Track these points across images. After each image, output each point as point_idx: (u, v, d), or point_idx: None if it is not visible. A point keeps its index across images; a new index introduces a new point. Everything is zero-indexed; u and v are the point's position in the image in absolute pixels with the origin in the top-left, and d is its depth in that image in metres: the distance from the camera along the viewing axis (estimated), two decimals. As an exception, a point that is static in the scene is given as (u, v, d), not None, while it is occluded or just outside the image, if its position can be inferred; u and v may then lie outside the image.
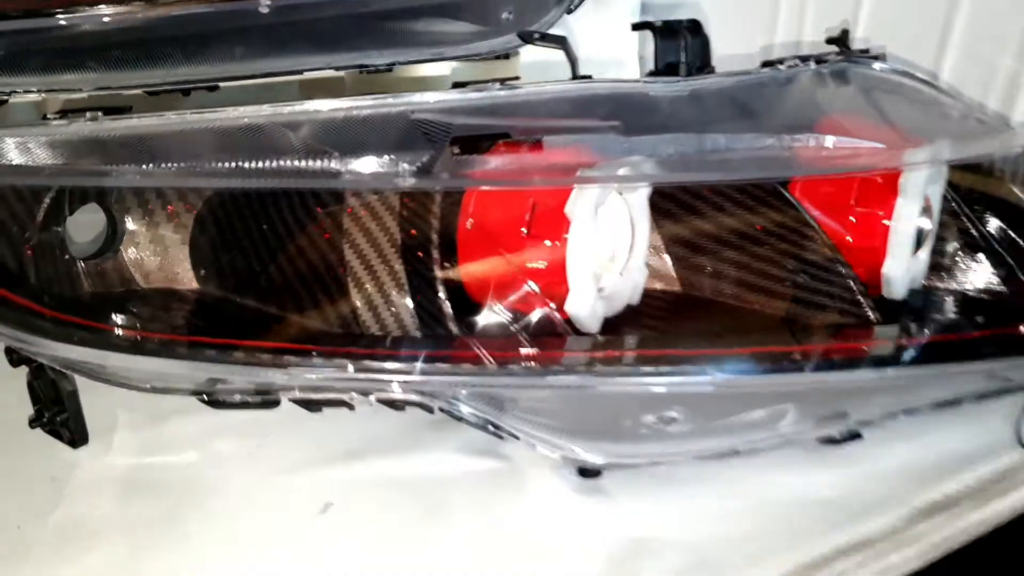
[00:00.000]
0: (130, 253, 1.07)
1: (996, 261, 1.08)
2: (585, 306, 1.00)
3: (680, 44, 1.16)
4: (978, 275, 1.10)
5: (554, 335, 1.00)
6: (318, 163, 0.95)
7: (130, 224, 1.07)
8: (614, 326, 1.06)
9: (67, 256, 1.03)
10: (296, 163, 0.95)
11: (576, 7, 1.34)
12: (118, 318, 0.95)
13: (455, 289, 1.00)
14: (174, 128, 0.99)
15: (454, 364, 0.94)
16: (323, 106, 1.01)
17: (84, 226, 1.06)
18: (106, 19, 1.09)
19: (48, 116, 1.00)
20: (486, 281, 1.01)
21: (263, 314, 1.00)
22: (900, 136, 1.07)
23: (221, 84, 1.23)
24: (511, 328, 0.99)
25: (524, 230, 1.00)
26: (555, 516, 1.01)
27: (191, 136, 0.99)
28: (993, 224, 1.10)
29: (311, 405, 0.99)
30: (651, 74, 1.17)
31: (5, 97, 1.13)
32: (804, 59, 1.18)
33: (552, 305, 0.97)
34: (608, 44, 1.44)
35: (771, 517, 1.01)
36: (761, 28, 1.54)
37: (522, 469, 1.08)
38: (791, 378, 0.99)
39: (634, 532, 0.99)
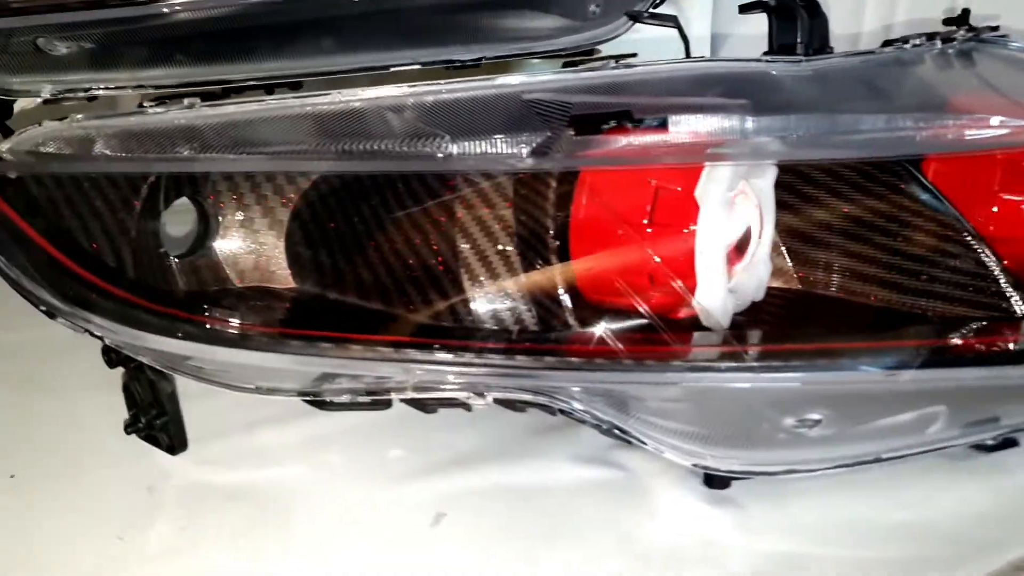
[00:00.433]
0: (225, 248, 1.01)
1: None
2: (717, 298, 0.92)
3: (797, 24, 1.10)
4: None
5: (681, 331, 0.93)
6: (429, 146, 0.89)
7: (225, 219, 1.02)
8: (738, 324, 0.99)
9: (162, 250, 0.97)
10: (405, 147, 0.89)
11: (661, 1, 1.30)
12: (227, 313, 0.90)
13: (574, 282, 0.93)
14: (274, 113, 0.94)
15: (580, 359, 0.87)
16: (430, 88, 0.95)
17: (178, 221, 1.01)
18: (198, 6, 1.06)
19: (144, 104, 0.96)
20: (607, 273, 0.94)
21: (372, 309, 0.93)
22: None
23: (304, 81, 1.19)
24: (638, 323, 0.91)
25: (646, 220, 0.93)
26: (690, 530, 0.93)
27: (292, 122, 0.94)
28: None
29: (426, 406, 0.91)
30: (766, 54, 1.11)
31: (94, 93, 1.10)
32: (930, 37, 1.11)
33: (685, 292, 0.90)
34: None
35: (928, 533, 0.92)
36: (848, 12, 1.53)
37: (642, 479, 1.00)
38: (949, 373, 0.91)
39: (777, 547, 0.91)
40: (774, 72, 1.03)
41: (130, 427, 1.02)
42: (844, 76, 1.06)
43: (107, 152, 0.92)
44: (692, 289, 0.93)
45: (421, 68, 1.28)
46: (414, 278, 0.95)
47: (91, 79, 1.09)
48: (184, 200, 1.02)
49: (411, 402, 0.93)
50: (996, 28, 1.15)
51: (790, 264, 1.13)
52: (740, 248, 1.00)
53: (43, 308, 0.90)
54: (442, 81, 0.95)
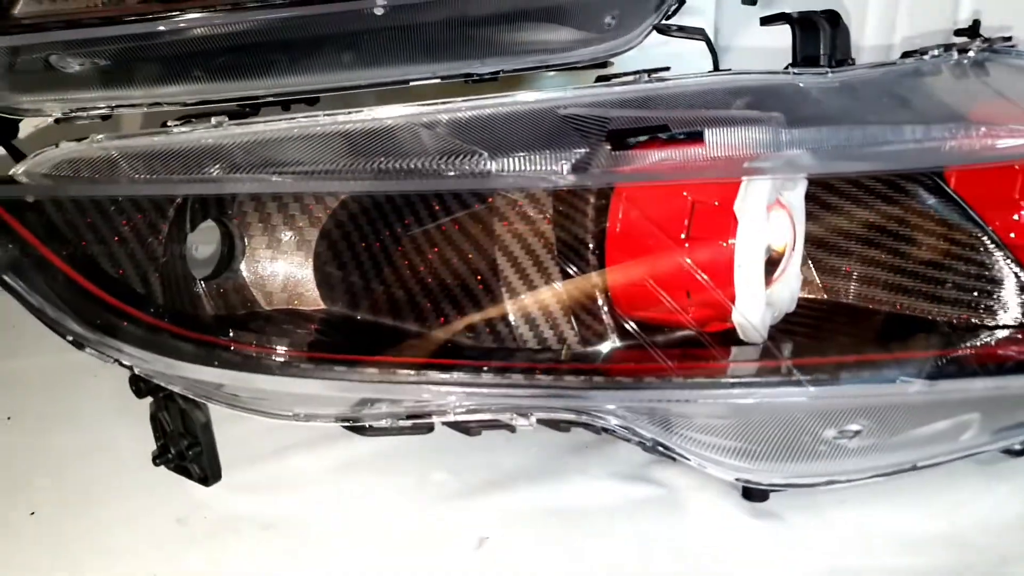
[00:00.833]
0: (252, 270, 0.98)
1: None
2: (757, 312, 0.92)
3: (820, 36, 1.10)
4: None
5: (721, 346, 0.93)
6: (467, 164, 0.87)
7: (252, 240, 0.99)
8: (772, 337, 0.99)
9: (188, 275, 0.94)
10: (443, 165, 0.87)
11: (674, 12, 1.30)
12: (261, 338, 0.87)
13: (614, 298, 0.92)
14: (305, 132, 0.91)
15: (629, 378, 0.85)
16: (464, 104, 0.93)
17: (200, 241, 0.98)
18: (216, 21, 1.03)
19: (168, 123, 0.93)
20: (645, 287, 0.93)
21: (413, 331, 0.91)
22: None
23: (321, 96, 1.17)
24: (678, 338, 0.91)
25: (684, 235, 0.93)
26: (735, 546, 0.92)
27: (323, 141, 0.91)
28: None
29: (470, 429, 0.89)
30: (791, 66, 1.11)
31: (109, 112, 1.06)
32: (947, 48, 1.12)
33: (727, 304, 0.89)
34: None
35: (965, 540, 0.92)
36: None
37: (683, 495, 0.99)
38: (989, 382, 0.92)
39: (822, 560, 0.90)
40: (801, 84, 1.04)
41: (159, 458, 0.99)
42: (869, 88, 1.07)
43: (132, 173, 0.89)
44: (731, 302, 0.93)
45: (439, 83, 1.27)
46: (452, 297, 0.93)
47: (105, 97, 1.06)
48: (207, 221, 0.99)
49: (454, 425, 0.91)
50: (1009, 39, 1.17)
51: (815, 274, 1.14)
52: (773, 261, 1.01)
53: (70, 338, 0.87)
54: (475, 97, 0.94)
